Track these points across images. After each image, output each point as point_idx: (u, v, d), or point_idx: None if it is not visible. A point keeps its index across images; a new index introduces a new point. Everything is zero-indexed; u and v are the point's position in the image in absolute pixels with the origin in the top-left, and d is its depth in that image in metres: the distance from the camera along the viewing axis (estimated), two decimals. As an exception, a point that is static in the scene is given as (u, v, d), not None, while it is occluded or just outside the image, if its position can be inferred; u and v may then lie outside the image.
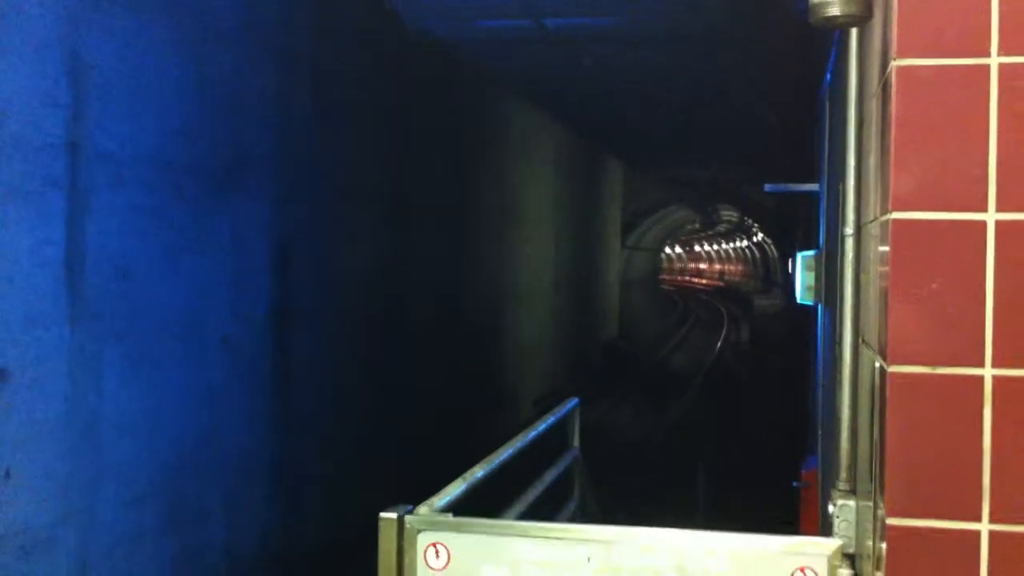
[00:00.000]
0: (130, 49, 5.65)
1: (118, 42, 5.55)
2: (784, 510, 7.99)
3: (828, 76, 6.14)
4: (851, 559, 2.46)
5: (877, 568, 2.21)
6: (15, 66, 4.78)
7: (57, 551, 5.13)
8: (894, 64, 2.06)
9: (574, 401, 4.65)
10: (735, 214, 38.78)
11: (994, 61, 2.02)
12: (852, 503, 2.51)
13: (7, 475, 4.76)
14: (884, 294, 2.13)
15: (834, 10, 2.36)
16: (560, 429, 4.47)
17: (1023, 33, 2.01)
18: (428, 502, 2.76)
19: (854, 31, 2.63)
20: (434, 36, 10.42)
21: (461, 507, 2.85)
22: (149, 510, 5.92)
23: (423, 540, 2.60)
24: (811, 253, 6.78)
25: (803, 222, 13.50)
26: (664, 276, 57.31)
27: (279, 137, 7.41)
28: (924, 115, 2.04)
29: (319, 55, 8.06)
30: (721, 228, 49.17)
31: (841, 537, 2.48)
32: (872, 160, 2.49)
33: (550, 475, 4.17)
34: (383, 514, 2.61)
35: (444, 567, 2.58)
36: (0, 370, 4.71)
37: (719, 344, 28.84)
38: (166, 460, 6.09)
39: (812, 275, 6.59)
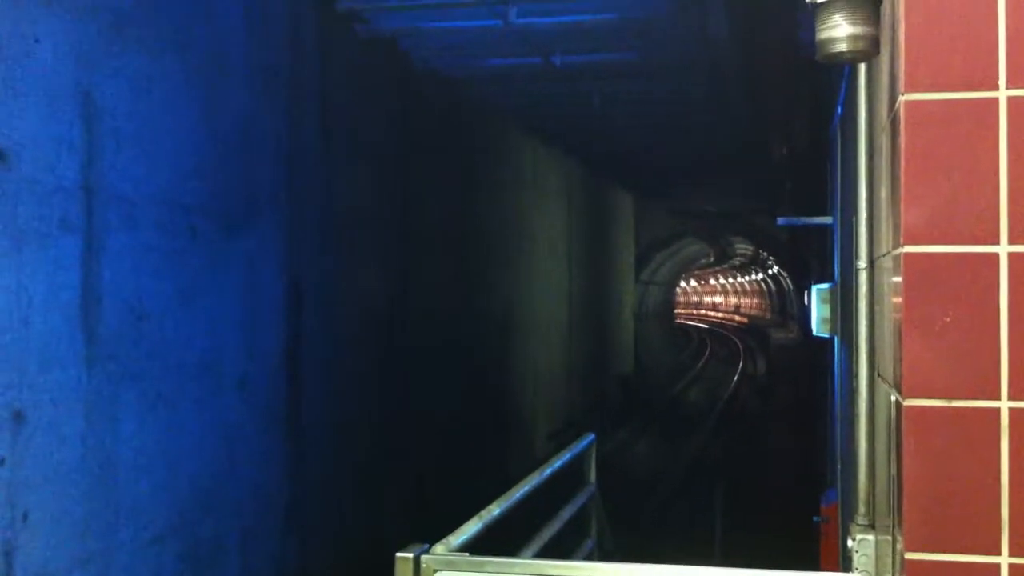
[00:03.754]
0: (143, 91, 5.70)
1: (131, 85, 5.60)
2: (804, 545, 7.93)
3: (839, 110, 6.15)
4: (871, 594, 2.44)
5: (897, 604, 2.19)
6: (29, 110, 4.82)
7: (74, 594, 5.12)
8: (902, 99, 2.06)
9: (590, 437, 4.63)
10: (750, 247, 38.73)
11: (1003, 94, 2.03)
12: (871, 537, 2.49)
13: (24, 518, 4.76)
14: (898, 327, 2.12)
15: (841, 47, 2.37)
16: (576, 465, 4.46)
17: (1031, 66, 2.01)
18: (444, 540, 2.75)
19: (862, 66, 2.64)
20: (443, 74, 10.49)
21: (477, 545, 2.84)
22: (167, 551, 5.91)
23: (439, 580, 2.59)
24: (826, 286, 6.77)
25: (818, 255, 13.48)
26: (679, 310, 57.20)
27: (290, 176, 7.45)
28: (933, 149, 2.05)
29: (329, 95, 8.12)
30: (736, 261, 49.10)
31: (861, 572, 2.46)
32: (883, 194, 2.49)
33: (567, 512, 4.15)
34: (399, 554, 2.60)
35: (461, 607, 2.57)
36: (17, 412, 4.72)
37: (735, 379, 28.71)
38: (184, 500, 6.08)
39: (827, 308, 6.57)
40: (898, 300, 2.13)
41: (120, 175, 5.50)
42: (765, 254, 36.99)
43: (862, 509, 2.64)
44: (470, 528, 2.90)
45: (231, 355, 6.65)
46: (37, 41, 4.89)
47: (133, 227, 5.61)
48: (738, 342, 41.73)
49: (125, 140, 5.55)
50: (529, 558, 3.28)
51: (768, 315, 53.34)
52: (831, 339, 7.30)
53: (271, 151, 7.20)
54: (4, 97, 4.69)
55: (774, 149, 13.73)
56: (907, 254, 2.05)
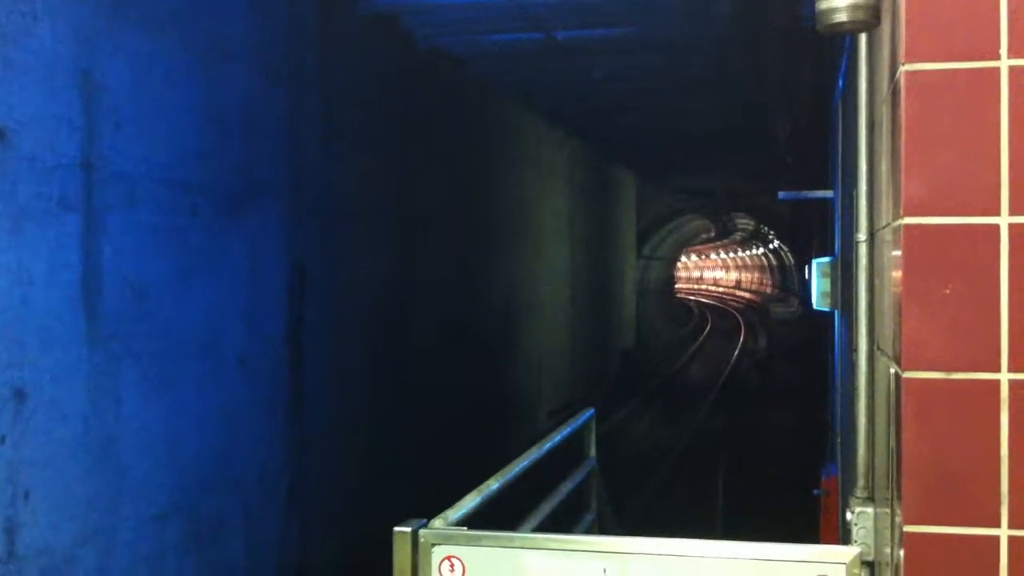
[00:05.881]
0: (142, 70, 5.68)
1: (131, 63, 5.58)
2: (805, 518, 7.95)
3: (840, 83, 6.12)
4: (870, 567, 2.44)
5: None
6: (28, 88, 4.81)
7: (77, 572, 5.14)
8: (903, 69, 2.05)
9: (590, 412, 4.64)
10: (751, 222, 38.70)
11: (1004, 64, 2.01)
12: (870, 510, 2.49)
13: (26, 496, 4.78)
14: (897, 300, 2.12)
15: (841, 16, 2.35)
16: (576, 440, 4.46)
17: (1033, 35, 2.00)
18: (442, 515, 2.75)
19: (863, 37, 2.62)
20: (445, 53, 10.45)
21: (476, 520, 2.84)
22: (170, 528, 5.93)
23: (438, 554, 2.59)
24: (827, 260, 6.76)
25: (819, 229, 13.46)
26: (680, 285, 57.18)
27: (291, 156, 7.43)
28: (934, 119, 2.03)
29: (330, 73, 8.09)
30: (737, 236, 49.08)
31: (860, 545, 2.46)
32: (884, 166, 2.48)
33: (566, 487, 4.16)
34: (397, 528, 2.60)
35: (460, 581, 2.57)
36: (18, 391, 4.72)
37: (736, 353, 28.74)
38: (186, 479, 6.09)
39: (828, 281, 6.57)
40: (897, 272, 2.12)
41: (120, 153, 5.49)
42: (766, 229, 36.96)
43: (861, 482, 2.63)
44: (468, 503, 2.90)
45: (232, 335, 6.65)
46: (36, 19, 4.87)
47: (133, 206, 5.60)
48: (739, 317, 41.73)
49: (125, 119, 5.53)
50: (528, 532, 3.29)
51: (769, 289, 53.36)
52: (831, 313, 7.30)
53: (272, 130, 7.18)
54: (3, 75, 4.67)
55: (776, 124, 13.68)
56: (907, 226, 2.04)
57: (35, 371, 4.85)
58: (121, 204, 5.50)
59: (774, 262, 49.15)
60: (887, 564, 2.36)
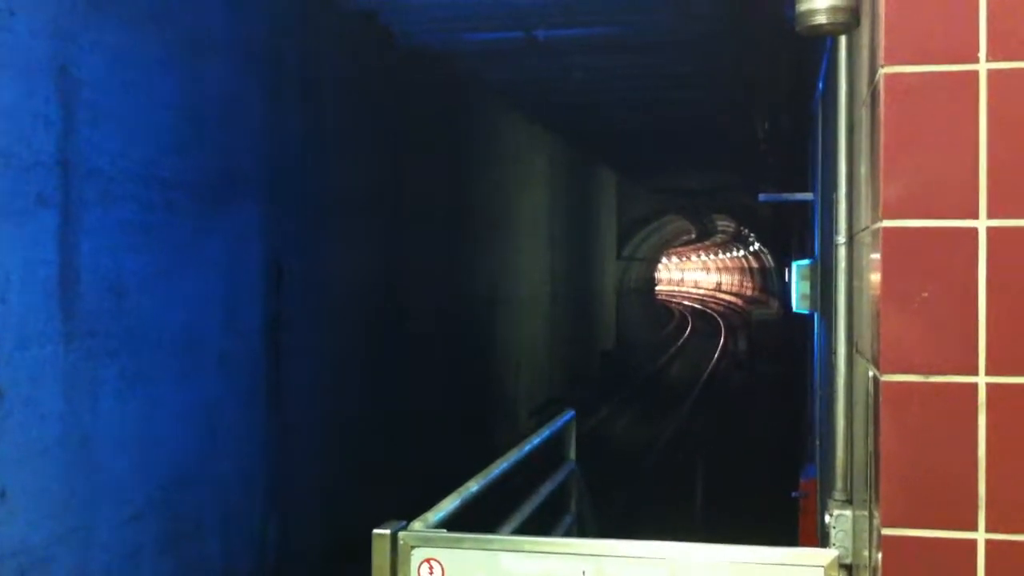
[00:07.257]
0: (120, 65, 5.65)
1: (108, 59, 5.54)
2: (783, 520, 7.97)
3: (820, 85, 6.14)
4: (848, 569, 2.44)
5: (873, 578, 2.19)
6: (4, 84, 4.77)
7: (54, 570, 5.10)
8: (882, 72, 2.05)
9: (570, 414, 4.63)
10: (731, 224, 38.78)
11: (983, 67, 2.01)
12: (848, 513, 2.49)
13: (3, 495, 4.74)
14: (876, 302, 2.12)
15: (820, 18, 2.35)
16: (556, 442, 4.46)
17: (1011, 39, 2.00)
18: (422, 517, 2.74)
19: (843, 39, 2.62)
20: (425, 50, 10.43)
21: (455, 522, 2.83)
22: (147, 528, 5.90)
23: (417, 556, 2.58)
24: (806, 262, 6.77)
25: (799, 231, 13.49)
26: (661, 286, 57.28)
27: (270, 152, 7.40)
28: (913, 122, 2.03)
29: (309, 70, 8.06)
30: (718, 238, 49.17)
31: (838, 548, 2.46)
32: (863, 169, 2.48)
33: (546, 488, 4.15)
34: (376, 530, 2.59)
35: (438, 583, 2.56)
36: (-6, 389, 4.69)
37: (716, 354, 28.81)
38: (164, 478, 6.06)
39: (807, 284, 6.57)
40: (876, 275, 2.12)
41: (97, 150, 5.45)
42: (747, 231, 37.03)
43: (839, 484, 2.63)
44: (448, 505, 2.90)
45: (211, 332, 6.62)
46: (12, 14, 4.83)
47: (111, 202, 5.57)
48: (719, 319, 41.84)
49: (102, 115, 5.49)
50: (507, 534, 3.28)
51: (749, 292, 53.49)
52: (811, 315, 7.32)
53: (251, 125, 7.15)
54: (-22, 70, 4.64)
55: (758, 126, 13.71)
56: (885, 228, 2.04)
57: (12, 369, 4.81)
58: (99, 200, 5.46)
59: (755, 264, 49.25)
60: (865, 567, 2.36)
